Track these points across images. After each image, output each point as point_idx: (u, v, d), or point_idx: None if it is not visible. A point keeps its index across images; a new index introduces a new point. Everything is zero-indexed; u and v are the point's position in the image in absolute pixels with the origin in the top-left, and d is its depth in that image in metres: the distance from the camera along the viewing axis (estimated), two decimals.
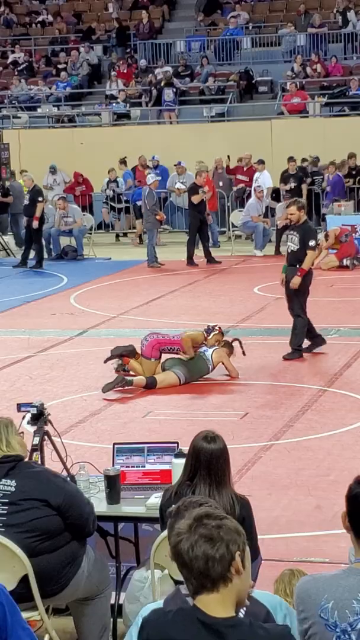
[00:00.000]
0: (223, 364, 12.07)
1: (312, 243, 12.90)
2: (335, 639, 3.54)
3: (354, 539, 3.70)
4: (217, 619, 3.15)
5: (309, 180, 24.04)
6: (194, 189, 21.21)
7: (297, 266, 12.92)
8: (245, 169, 24.85)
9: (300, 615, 3.65)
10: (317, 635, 3.57)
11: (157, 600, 3.90)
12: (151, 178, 21.73)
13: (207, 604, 3.18)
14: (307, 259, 12.84)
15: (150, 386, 11.78)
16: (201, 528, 3.18)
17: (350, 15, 30.24)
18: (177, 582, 4.68)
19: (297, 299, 13.04)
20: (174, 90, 28.62)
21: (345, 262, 20.01)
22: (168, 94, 28.59)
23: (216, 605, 3.17)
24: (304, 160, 24.33)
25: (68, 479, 5.96)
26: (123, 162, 25.51)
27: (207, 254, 21.04)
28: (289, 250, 13.09)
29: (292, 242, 13.01)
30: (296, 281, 12.84)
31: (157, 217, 21.25)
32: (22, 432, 5.77)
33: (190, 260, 20.92)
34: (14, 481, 5.39)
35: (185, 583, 3.27)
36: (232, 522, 3.24)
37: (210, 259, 20.99)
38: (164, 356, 12.13)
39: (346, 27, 30.19)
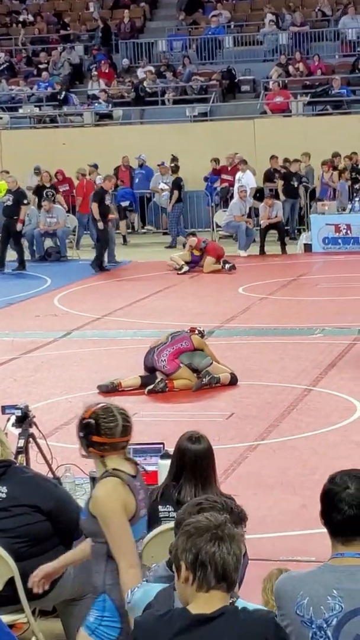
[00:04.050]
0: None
1: None
2: (312, 635, 3.58)
3: (330, 536, 3.72)
4: (203, 614, 3.29)
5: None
6: (99, 194, 21.02)
7: None
8: (229, 168, 24.85)
9: (279, 612, 3.69)
10: (295, 632, 3.62)
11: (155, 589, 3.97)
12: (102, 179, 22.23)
13: (210, 599, 3.32)
14: None
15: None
16: (230, 532, 3.34)
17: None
18: None
19: None
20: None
21: (227, 265, 20.08)
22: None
23: (216, 601, 3.32)
24: (286, 160, 24.32)
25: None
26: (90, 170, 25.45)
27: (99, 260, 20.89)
28: None
29: None
30: None
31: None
32: (7, 433, 5.76)
33: (98, 264, 20.63)
34: (4, 487, 5.36)
35: (195, 581, 3.34)
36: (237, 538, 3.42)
37: (101, 267, 20.77)
38: None
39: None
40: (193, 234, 20.98)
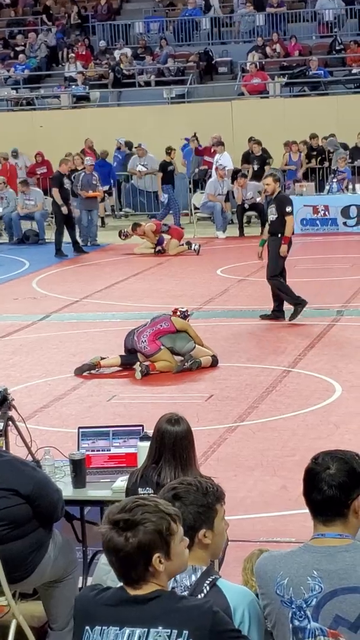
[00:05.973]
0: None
1: (289, 209, 13.75)
2: (291, 615, 3.60)
3: (312, 516, 3.73)
4: (138, 595, 3.31)
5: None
6: (58, 178, 20.82)
7: (279, 235, 13.79)
8: (212, 150, 24.73)
9: (260, 592, 3.71)
10: (275, 612, 3.64)
11: None
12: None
13: (138, 587, 3.33)
14: (288, 225, 13.71)
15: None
16: (114, 532, 3.30)
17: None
18: None
19: (272, 263, 13.87)
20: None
21: (194, 246, 20.10)
22: None
23: (141, 590, 3.31)
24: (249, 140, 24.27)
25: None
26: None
27: (74, 243, 20.84)
28: (269, 222, 14.03)
29: (271, 214, 13.90)
30: (283, 249, 13.79)
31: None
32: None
33: (59, 252, 20.43)
34: None
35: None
36: (149, 526, 3.29)
37: (76, 248, 20.74)
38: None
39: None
40: (138, 224, 20.84)
